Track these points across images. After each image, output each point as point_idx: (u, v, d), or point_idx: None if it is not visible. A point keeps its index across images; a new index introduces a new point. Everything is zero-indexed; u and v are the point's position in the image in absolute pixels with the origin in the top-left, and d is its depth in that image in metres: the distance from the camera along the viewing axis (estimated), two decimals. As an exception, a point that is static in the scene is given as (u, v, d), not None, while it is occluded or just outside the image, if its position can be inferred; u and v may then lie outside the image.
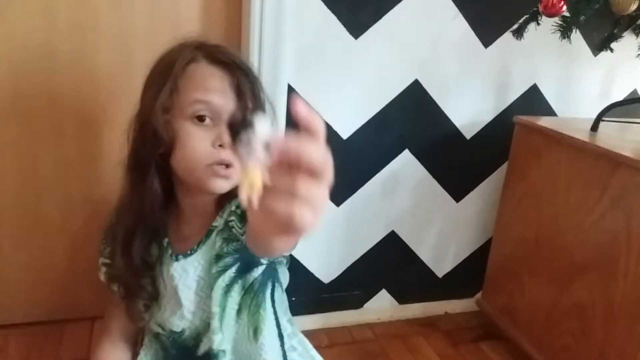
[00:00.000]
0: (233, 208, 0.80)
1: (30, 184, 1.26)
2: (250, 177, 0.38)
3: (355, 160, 1.36)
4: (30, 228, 1.30)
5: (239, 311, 0.86)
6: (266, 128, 0.38)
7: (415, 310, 1.56)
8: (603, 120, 1.24)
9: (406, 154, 1.39)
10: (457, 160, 1.44)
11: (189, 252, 0.85)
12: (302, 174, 0.37)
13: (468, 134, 1.43)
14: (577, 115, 1.47)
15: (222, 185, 0.79)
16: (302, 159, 0.37)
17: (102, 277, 0.95)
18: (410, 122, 1.37)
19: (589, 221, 1.14)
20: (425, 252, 1.52)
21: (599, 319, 1.12)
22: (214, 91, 0.78)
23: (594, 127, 1.24)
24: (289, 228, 0.38)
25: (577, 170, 1.17)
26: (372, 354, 1.37)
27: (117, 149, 1.28)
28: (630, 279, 1.04)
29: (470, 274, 1.56)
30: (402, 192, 1.43)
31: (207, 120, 0.77)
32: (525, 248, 1.35)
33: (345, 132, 1.32)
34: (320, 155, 0.38)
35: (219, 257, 0.83)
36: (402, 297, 1.54)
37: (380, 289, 1.52)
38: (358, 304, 1.51)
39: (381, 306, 1.52)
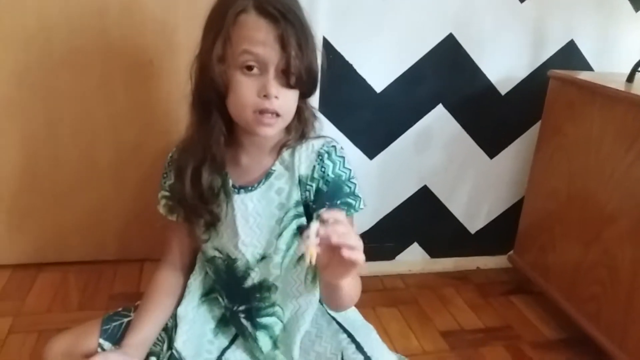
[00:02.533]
0: (316, 176, 0.93)
1: (85, 131, 1.37)
2: (309, 250, 0.69)
3: (389, 114, 1.40)
4: (85, 173, 1.41)
5: (289, 251, 0.94)
6: (316, 227, 0.70)
7: (447, 264, 1.59)
8: (639, 72, 1.23)
9: (440, 109, 1.42)
10: (491, 116, 1.46)
11: (250, 188, 0.93)
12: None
13: (503, 90, 1.44)
14: (615, 72, 1.45)
15: (267, 132, 0.86)
16: (340, 242, 0.70)
17: (162, 210, 0.99)
18: (444, 77, 1.39)
19: (620, 170, 1.14)
20: (457, 207, 1.55)
21: (627, 267, 1.13)
22: (260, 43, 0.82)
23: (630, 79, 1.23)
24: (352, 266, 0.72)
25: (609, 120, 1.17)
26: (403, 301, 1.42)
27: (164, 99, 1.39)
28: (659, 224, 1.04)
29: (503, 231, 1.57)
30: (435, 147, 1.46)
31: (255, 70, 0.83)
32: (556, 202, 1.36)
33: (379, 86, 1.36)
34: (346, 235, 0.70)
35: (297, 203, 0.92)
36: (433, 251, 1.58)
37: (412, 242, 1.56)
38: (390, 255, 1.56)
39: (413, 259, 1.57)
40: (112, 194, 1.45)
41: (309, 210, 0.94)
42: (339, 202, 0.95)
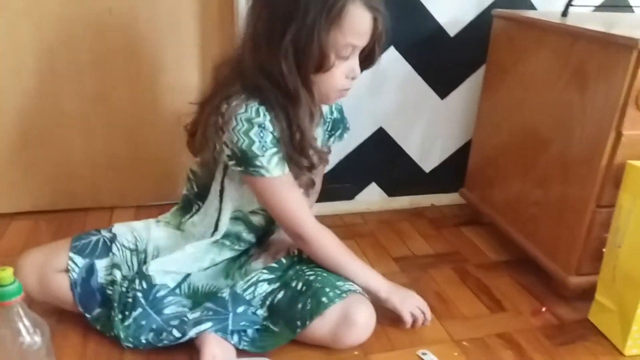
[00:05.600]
0: (333, 109, 1.18)
1: (50, 82, 1.41)
2: None
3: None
4: (52, 124, 1.45)
5: None
6: None
7: (404, 202, 1.69)
8: (573, 6, 1.31)
9: (392, 51, 1.49)
10: (441, 58, 1.53)
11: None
12: None
13: (452, 32, 1.51)
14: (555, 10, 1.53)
15: (337, 101, 1.08)
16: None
17: (278, 170, 0.98)
18: (395, 19, 1.42)
19: (552, 98, 1.23)
20: (412, 148, 1.63)
21: (557, 185, 1.22)
22: (363, 35, 0.95)
23: (564, 13, 1.31)
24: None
25: (543, 52, 1.26)
26: (361, 234, 1.51)
27: (124, 49, 1.42)
28: (584, 145, 1.14)
29: (455, 169, 1.66)
30: (389, 89, 1.53)
31: (347, 54, 0.95)
32: (499, 136, 1.45)
33: (332, 29, 1.42)
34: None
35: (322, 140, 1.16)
36: (391, 190, 1.67)
37: (370, 182, 1.64)
38: (350, 195, 1.64)
39: (371, 198, 1.66)
40: (81, 144, 1.50)
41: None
42: (345, 122, 1.23)
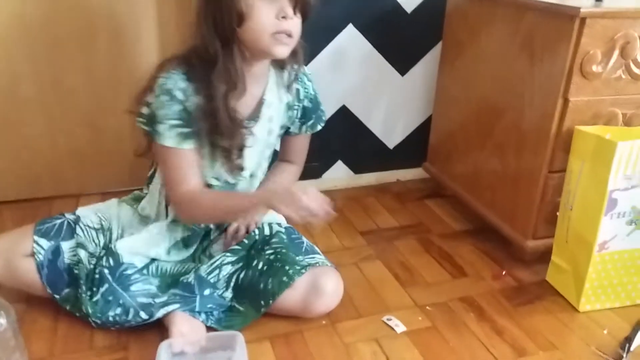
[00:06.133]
0: (302, 97, 1.13)
1: (6, 70, 1.38)
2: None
3: (302, 35, 1.46)
4: (13, 112, 1.43)
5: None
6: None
7: (370, 179, 1.72)
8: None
9: (350, 29, 1.50)
10: (399, 34, 1.55)
11: (256, 119, 1.05)
12: None
13: (408, 8, 1.53)
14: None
15: (284, 51, 0.97)
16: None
17: (171, 141, 0.98)
18: (353, -3, 1.47)
19: (505, 68, 1.27)
20: (375, 125, 1.66)
21: (512, 154, 1.27)
22: None
23: (515, -13, 1.35)
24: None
25: (495, 24, 1.29)
26: (328, 212, 1.54)
27: (82, 34, 1.41)
28: (535, 113, 1.18)
29: (418, 145, 1.70)
30: (349, 67, 1.55)
31: None
32: (458, 109, 1.49)
33: (291, 9, 1.43)
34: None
35: (282, 127, 1.14)
36: (357, 168, 1.70)
37: (337, 161, 1.67)
38: (317, 174, 1.66)
39: (338, 176, 1.68)
40: (43, 131, 1.48)
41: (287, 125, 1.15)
42: (319, 113, 1.18)
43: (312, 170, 1.66)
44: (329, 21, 1.47)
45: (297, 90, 1.12)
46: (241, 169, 1.05)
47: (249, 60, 0.99)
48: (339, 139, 1.63)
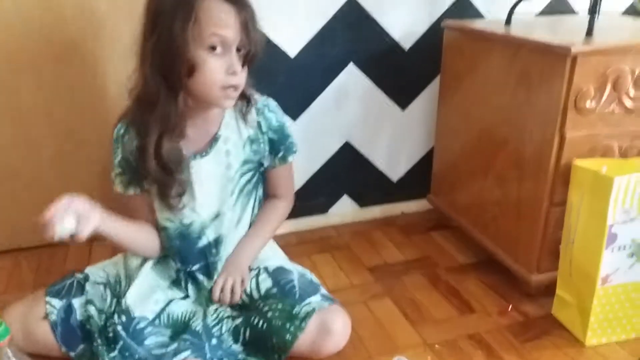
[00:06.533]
0: (264, 129, 1.11)
1: (23, 121, 1.44)
2: None
3: (305, 77, 1.51)
4: (26, 163, 1.48)
5: (235, 205, 1.12)
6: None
7: (375, 212, 1.74)
8: (516, 15, 1.38)
9: (351, 67, 1.54)
10: (398, 71, 1.59)
11: (203, 154, 1.06)
12: None
13: (406, 45, 1.57)
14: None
15: (230, 103, 1.03)
16: None
17: (119, 188, 1.08)
18: (352, 37, 1.51)
19: (503, 102, 1.29)
20: (378, 159, 1.68)
21: (514, 186, 1.28)
22: (227, 26, 0.95)
23: (507, 21, 1.38)
24: None
25: (491, 59, 1.32)
26: (336, 247, 1.56)
27: (90, 85, 1.46)
28: (534, 146, 1.20)
29: (421, 177, 1.71)
30: (351, 104, 1.59)
31: (219, 49, 0.95)
32: (459, 141, 1.52)
33: (292, 51, 1.47)
34: None
35: (246, 162, 1.11)
36: (362, 201, 1.72)
37: (342, 195, 1.69)
38: (323, 209, 1.69)
39: (344, 210, 1.71)
40: (56, 181, 1.52)
41: (260, 160, 1.14)
42: (288, 145, 1.17)
43: (319, 205, 1.69)
44: (331, 61, 1.52)
45: (259, 122, 1.12)
46: (180, 208, 1.07)
47: (195, 105, 1.02)
48: (344, 173, 1.66)
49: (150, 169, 1.00)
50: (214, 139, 1.07)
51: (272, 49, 1.45)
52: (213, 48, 0.95)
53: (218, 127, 1.08)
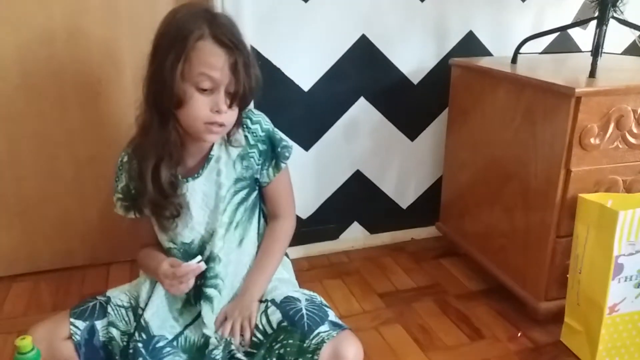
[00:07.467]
0: (252, 142, 1.12)
1: (44, 149, 1.50)
2: None
3: (318, 109, 1.58)
4: (47, 188, 1.54)
5: (232, 224, 1.14)
6: None
7: (385, 238, 1.79)
8: (521, 54, 1.45)
9: (362, 101, 1.61)
10: (407, 104, 1.66)
11: (195, 175, 1.11)
12: None
13: (415, 80, 1.64)
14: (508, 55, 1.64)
15: (213, 139, 1.07)
16: None
17: (119, 211, 1.14)
18: (363, 72, 1.58)
19: (509, 137, 1.35)
20: (388, 187, 1.74)
21: (521, 217, 1.34)
22: (216, 69, 1.00)
23: (514, 60, 1.45)
24: None
25: (497, 95, 1.39)
26: (347, 272, 1.61)
27: (113, 114, 1.52)
28: (540, 180, 1.25)
29: (431, 204, 1.77)
30: (362, 135, 1.65)
31: (206, 88, 1.01)
32: (466, 172, 1.57)
33: (306, 85, 1.54)
34: None
35: (238, 180, 1.13)
36: (372, 228, 1.77)
37: (353, 222, 1.74)
38: (334, 235, 1.74)
39: (354, 236, 1.75)
40: (74, 205, 1.58)
41: (254, 175, 1.15)
42: (280, 150, 1.15)
43: (330, 231, 1.74)
44: (342, 95, 1.59)
45: (246, 137, 1.13)
46: (174, 228, 1.11)
47: (186, 134, 1.07)
48: (355, 201, 1.72)
49: (147, 192, 1.06)
50: (207, 159, 1.12)
51: (287, 83, 1.53)
52: (201, 86, 1.00)
53: (210, 148, 1.13)
